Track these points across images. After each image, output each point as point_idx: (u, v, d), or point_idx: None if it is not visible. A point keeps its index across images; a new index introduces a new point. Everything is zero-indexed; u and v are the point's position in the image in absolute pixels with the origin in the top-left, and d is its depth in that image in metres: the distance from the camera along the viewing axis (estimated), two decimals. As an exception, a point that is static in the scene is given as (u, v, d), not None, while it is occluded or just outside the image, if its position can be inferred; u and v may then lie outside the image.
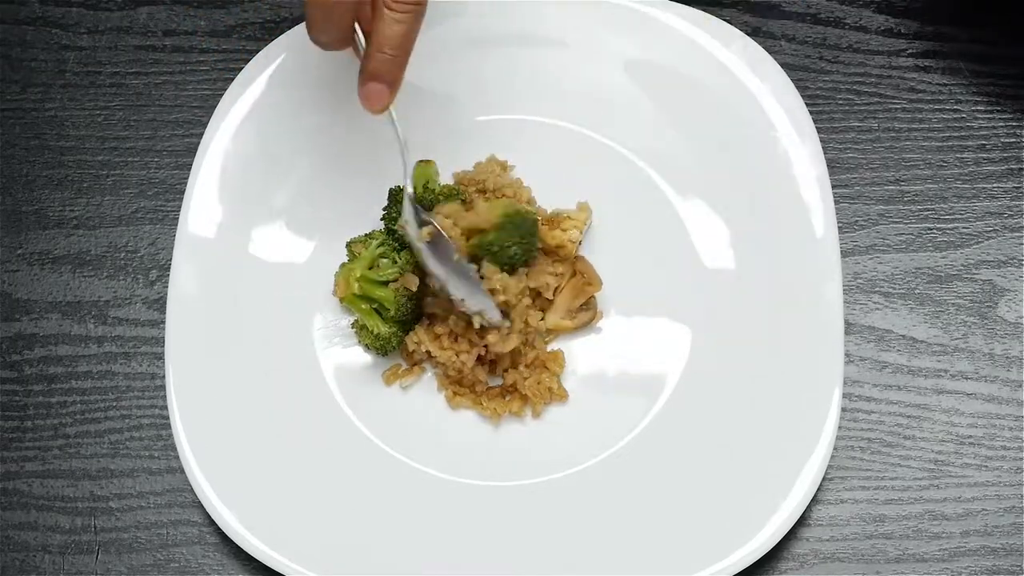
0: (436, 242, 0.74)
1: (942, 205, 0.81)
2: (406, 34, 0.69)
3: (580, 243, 0.79)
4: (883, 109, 0.83)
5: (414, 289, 0.76)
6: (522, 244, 0.75)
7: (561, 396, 0.76)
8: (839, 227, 0.77)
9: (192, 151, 0.81)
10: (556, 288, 0.77)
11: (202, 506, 0.74)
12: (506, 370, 0.77)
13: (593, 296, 0.78)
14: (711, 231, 0.79)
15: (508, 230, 0.75)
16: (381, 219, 0.79)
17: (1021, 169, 0.82)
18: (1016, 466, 0.75)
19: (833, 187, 0.78)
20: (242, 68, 0.83)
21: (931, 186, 0.82)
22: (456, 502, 0.74)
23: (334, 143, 0.82)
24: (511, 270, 0.75)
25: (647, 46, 0.82)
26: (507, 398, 0.77)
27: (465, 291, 0.74)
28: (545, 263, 0.78)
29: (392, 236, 0.78)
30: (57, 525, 0.77)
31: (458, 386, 0.77)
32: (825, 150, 0.79)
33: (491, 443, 0.76)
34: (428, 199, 0.77)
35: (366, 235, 0.79)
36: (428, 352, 0.76)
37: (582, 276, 0.77)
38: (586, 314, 0.77)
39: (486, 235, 0.75)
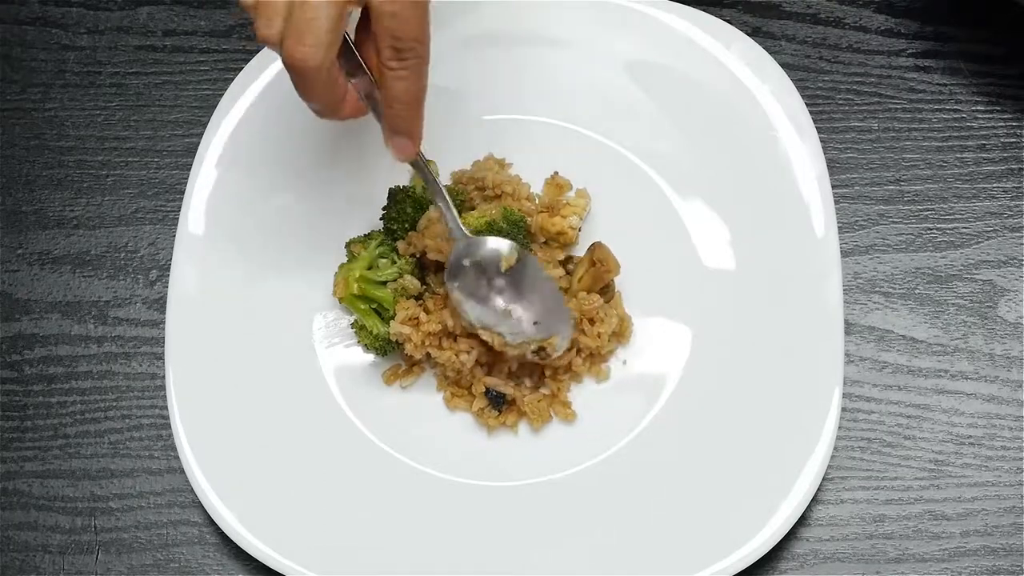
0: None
1: (942, 205, 0.81)
2: (411, 87, 0.68)
3: (579, 230, 0.79)
4: (883, 109, 0.83)
5: (414, 292, 0.76)
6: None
7: (567, 416, 0.76)
8: (839, 227, 0.77)
9: (192, 151, 0.81)
10: (576, 278, 0.77)
11: (202, 506, 0.74)
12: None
13: (612, 281, 0.77)
14: (711, 231, 0.79)
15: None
16: (381, 219, 0.79)
17: (1021, 169, 0.81)
18: (1016, 466, 0.75)
19: (833, 187, 0.78)
20: (242, 68, 0.83)
21: (931, 186, 0.81)
22: (456, 502, 0.74)
23: (334, 143, 0.82)
24: None
25: (647, 46, 0.82)
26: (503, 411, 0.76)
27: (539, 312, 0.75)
28: (547, 253, 0.78)
29: (391, 236, 0.78)
30: (57, 525, 0.77)
31: (456, 387, 0.77)
32: (825, 150, 0.79)
33: (491, 443, 0.76)
34: (428, 200, 0.77)
35: (366, 235, 0.79)
36: (428, 353, 0.76)
37: (601, 264, 0.76)
38: (605, 298, 0.77)
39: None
